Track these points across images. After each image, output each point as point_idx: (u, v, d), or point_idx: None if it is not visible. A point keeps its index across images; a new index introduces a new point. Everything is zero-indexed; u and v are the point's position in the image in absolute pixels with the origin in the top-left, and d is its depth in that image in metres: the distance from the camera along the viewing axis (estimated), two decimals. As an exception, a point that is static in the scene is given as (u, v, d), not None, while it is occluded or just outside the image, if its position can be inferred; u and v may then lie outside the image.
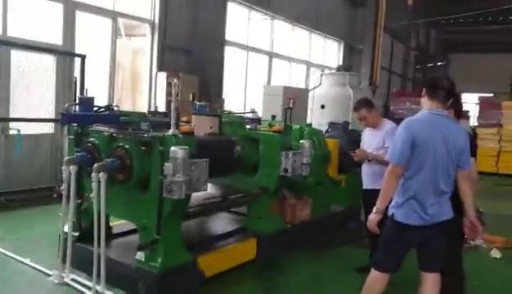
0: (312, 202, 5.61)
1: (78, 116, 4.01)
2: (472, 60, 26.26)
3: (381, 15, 14.54)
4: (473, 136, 4.24)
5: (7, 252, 4.61)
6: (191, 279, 3.90)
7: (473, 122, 16.27)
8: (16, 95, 6.78)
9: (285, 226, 5.20)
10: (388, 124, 4.61)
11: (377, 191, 3.31)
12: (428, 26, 23.97)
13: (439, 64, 26.34)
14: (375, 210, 3.23)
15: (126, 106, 8.74)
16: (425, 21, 21.49)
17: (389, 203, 3.23)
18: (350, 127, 7.25)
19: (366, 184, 4.66)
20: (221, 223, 5.20)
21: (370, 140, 4.67)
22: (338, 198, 6.36)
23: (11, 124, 6.73)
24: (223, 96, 10.44)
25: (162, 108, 8.19)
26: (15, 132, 6.63)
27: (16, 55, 6.68)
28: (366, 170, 4.66)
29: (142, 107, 9.04)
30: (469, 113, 16.03)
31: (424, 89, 3.27)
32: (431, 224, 3.13)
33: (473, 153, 3.50)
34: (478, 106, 15.92)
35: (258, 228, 4.87)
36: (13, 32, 6.71)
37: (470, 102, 18.58)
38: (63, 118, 4.06)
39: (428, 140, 3.08)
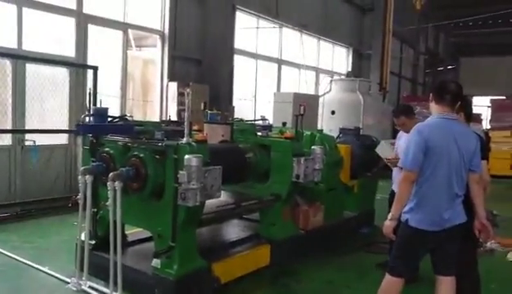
0: (325, 208, 5.61)
1: (94, 126, 4.09)
2: (482, 63, 26.03)
3: (389, 21, 14.53)
4: (485, 139, 4.23)
5: (25, 261, 4.69)
6: (207, 285, 3.93)
7: (485, 125, 16.12)
8: (31, 107, 6.91)
9: (298, 232, 5.21)
10: None
11: None
12: (437, 30, 23.85)
13: (449, 67, 26.15)
14: (389, 216, 3.21)
15: (137, 116, 8.77)
16: (434, 25, 21.40)
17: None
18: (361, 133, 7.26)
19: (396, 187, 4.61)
20: (234, 230, 5.23)
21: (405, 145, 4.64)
22: (350, 203, 6.37)
23: (27, 136, 6.84)
24: (233, 104, 10.52)
25: (173, 117, 8.29)
26: (30, 143, 6.76)
27: (31, 68, 6.82)
28: (398, 175, 4.59)
29: (153, 117, 9.15)
30: (481, 116, 15.89)
31: (431, 94, 3.29)
32: (445, 228, 3.12)
33: (485, 156, 3.50)
34: (489, 109, 15.77)
35: (271, 234, 4.90)
36: (28, 46, 6.86)
37: (482, 105, 18.42)
38: (79, 129, 4.15)
39: (441, 143, 3.08)
